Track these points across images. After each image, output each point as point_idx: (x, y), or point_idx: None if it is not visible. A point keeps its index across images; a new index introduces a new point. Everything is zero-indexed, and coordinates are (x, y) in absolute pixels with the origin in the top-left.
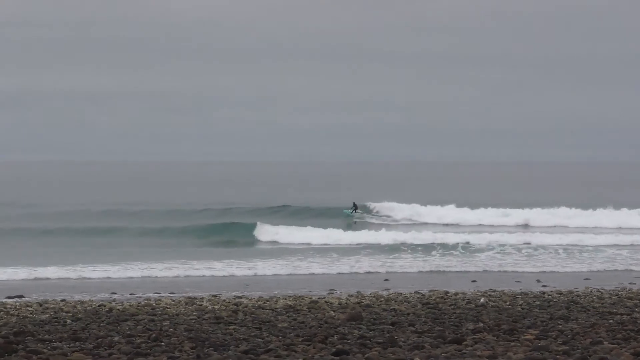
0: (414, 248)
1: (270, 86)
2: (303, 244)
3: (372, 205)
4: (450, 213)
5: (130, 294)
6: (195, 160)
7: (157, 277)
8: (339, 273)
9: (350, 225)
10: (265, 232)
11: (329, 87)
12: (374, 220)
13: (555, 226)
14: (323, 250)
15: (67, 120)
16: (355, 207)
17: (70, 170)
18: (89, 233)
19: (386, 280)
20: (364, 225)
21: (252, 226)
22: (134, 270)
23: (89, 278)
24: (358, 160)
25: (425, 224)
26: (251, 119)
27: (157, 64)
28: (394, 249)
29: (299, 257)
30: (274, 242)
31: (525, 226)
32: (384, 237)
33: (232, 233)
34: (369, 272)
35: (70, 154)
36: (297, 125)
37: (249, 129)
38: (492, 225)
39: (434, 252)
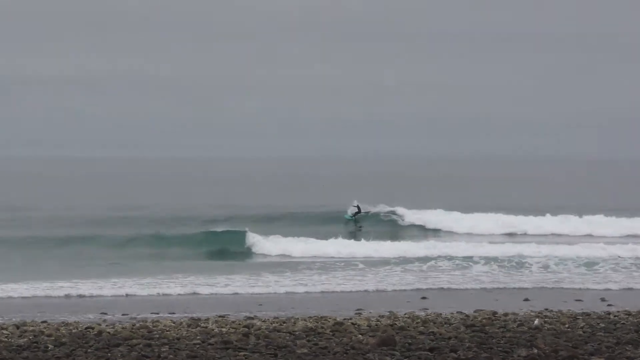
0: (454, 261)
1: (290, 71)
2: (319, 256)
3: (400, 211)
4: (496, 221)
5: (123, 315)
6: (198, 156)
7: (153, 294)
8: (367, 290)
9: (360, 235)
10: (273, 242)
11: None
12: (402, 221)
13: (625, 236)
14: (345, 264)
15: (50, 111)
16: (358, 209)
17: (53, 168)
18: (70, 242)
19: (424, 298)
20: (392, 235)
21: (257, 236)
22: (126, 287)
23: (74, 295)
24: (398, 155)
25: (467, 233)
26: (266, 109)
27: (160, 46)
28: (430, 261)
29: (317, 271)
30: (284, 255)
31: (589, 236)
32: (417, 248)
33: (232, 243)
34: (402, 290)
35: (55, 149)
36: (317, 117)
37: (263, 120)
38: (547, 235)
39: (478, 266)
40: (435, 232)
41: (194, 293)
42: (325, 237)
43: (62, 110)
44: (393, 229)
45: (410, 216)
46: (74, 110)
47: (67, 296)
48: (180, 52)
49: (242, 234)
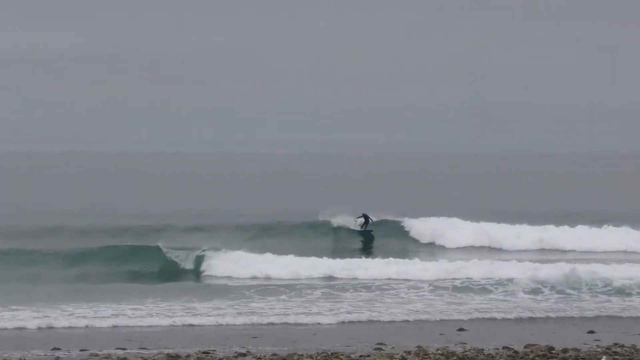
0: (497, 284)
1: (300, 45)
2: (321, 277)
3: (419, 220)
4: (548, 233)
5: (81, 350)
6: (177, 151)
7: (118, 325)
8: (389, 320)
9: (372, 251)
10: (264, 260)
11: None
12: (421, 233)
13: None
14: (357, 287)
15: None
16: (366, 219)
17: None
18: (6, 258)
19: (460, 330)
20: (413, 250)
21: (243, 253)
22: (83, 316)
23: (18, 327)
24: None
25: (501, 249)
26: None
27: (137, 16)
28: (464, 283)
29: (320, 294)
30: (267, 278)
31: None
32: (447, 266)
33: (212, 262)
34: (432, 319)
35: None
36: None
37: (266, 108)
38: (612, 252)
39: (527, 290)
40: (465, 248)
41: (170, 324)
42: (326, 253)
43: (10, 96)
44: (411, 243)
45: (433, 226)
46: (25, 96)
47: (9, 328)
48: (160, 25)
49: (224, 251)
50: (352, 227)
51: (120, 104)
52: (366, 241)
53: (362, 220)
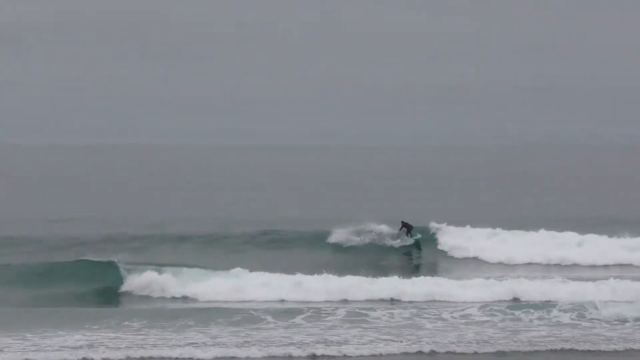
0: (563, 308)
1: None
2: (340, 301)
3: (457, 231)
4: (618, 244)
5: None
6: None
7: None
8: (432, 352)
9: (403, 266)
10: (267, 280)
11: None
12: (459, 245)
13: None
14: (388, 308)
15: None
16: (408, 228)
17: None
18: None
19: None
20: (453, 267)
21: (241, 270)
22: (49, 346)
23: None
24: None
25: (574, 265)
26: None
27: None
28: (523, 308)
29: (344, 318)
30: (274, 300)
31: None
32: (495, 286)
33: (198, 281)
34: (490, 352)
35: None
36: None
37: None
38: None
39: (601, 315)
40: (516, 264)
41: (164, 356)
42: (343, 269)
43: None
44: (446, 257)
45: (471, 236)
46: None
47: None
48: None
49: (221, 271)
50: (392, 241)
51: (91, 83)
52: (391, 255)
53: (405, 229)
